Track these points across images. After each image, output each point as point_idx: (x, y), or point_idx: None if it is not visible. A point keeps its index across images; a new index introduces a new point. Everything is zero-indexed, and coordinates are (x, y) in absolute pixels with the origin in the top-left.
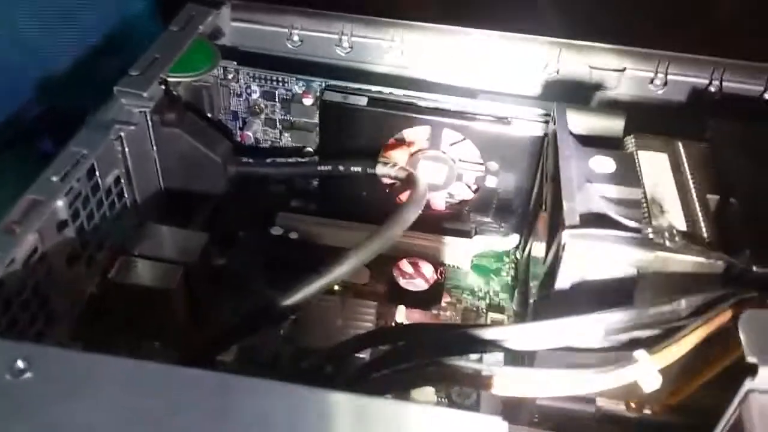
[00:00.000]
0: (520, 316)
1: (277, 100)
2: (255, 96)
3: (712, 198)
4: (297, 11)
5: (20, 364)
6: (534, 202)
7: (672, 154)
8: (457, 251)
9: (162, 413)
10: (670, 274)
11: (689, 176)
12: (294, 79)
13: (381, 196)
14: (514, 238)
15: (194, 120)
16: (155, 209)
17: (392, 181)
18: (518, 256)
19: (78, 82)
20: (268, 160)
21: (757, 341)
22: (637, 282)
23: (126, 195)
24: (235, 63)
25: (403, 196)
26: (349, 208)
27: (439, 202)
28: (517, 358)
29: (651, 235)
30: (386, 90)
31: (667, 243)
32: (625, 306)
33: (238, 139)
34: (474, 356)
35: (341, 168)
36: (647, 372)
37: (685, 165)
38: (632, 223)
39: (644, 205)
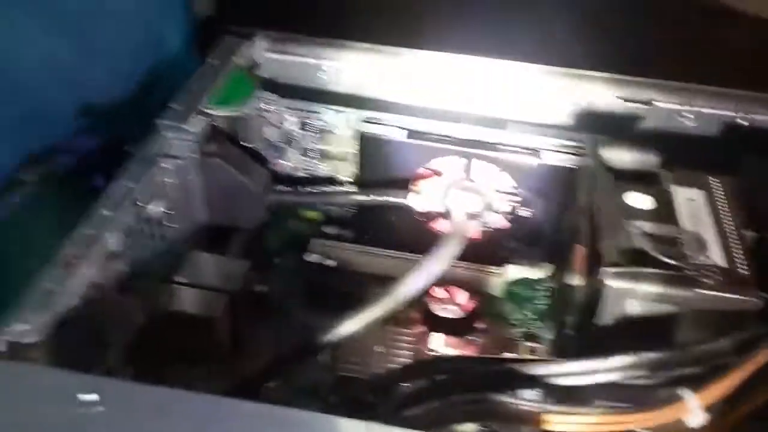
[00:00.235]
0: (556, 346)
1: (311, 129)
2: (290, 126)
3: (749, 234)
4: (330, 43)
5: (91, 397)
6: (566, 233)
7: (707, 190)
8: (490, 279)
9: None
10: (709, 311)
11: (725, 212)
12: (328, 109)
13: (413, 224)
14: (547, 267)
15: (233, 150)
16: (196, 237)
17: (425, 210)
18: (552, 285)
19: (121, 115)
20: (303, 189)
21: None
22: (676, 319)
23: (169, 224)
24: (272, 94)
25: (435, 224)
26: (381, 235)
27: (473, 230)
28: (553, 393)
29: (690, 273)
30: (422, 122)
31: (706, 281)
32: (667, 344)
33: (273, 167)
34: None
35: (376, 198)
36: (693, 410)
37: (721, 200)
38: (671, 261)
39: (681, 242)
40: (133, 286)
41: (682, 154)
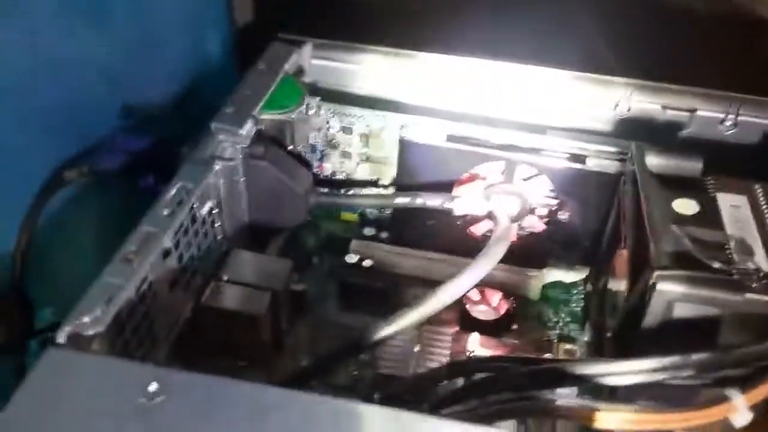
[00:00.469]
0: (592, 348)
1: (354, 133)
2: (334, 130)
3: None
4: (374, 50)
5: (153, 387)
6: (609, 238)
7: (750, 196)
8: (527, 281)
9: None
10: (755, 315)
11: None
12: (372, 114)
13: (452, 227)
14: (584, 270)
15: (278, 153)
16: (241, 237)
17: (464, 213)
18: (588, 287)
19: (162, 117)
20: (345, 191)
21: None
22: (722, 322)
23: (217, 224)
24: (318, 99)
25: (475, 228)
26: (419, 237)
27: (512, 235)
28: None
29: (738, 278)
30: (462, 126)
31: (755, 285)
32: (712, 347)
33: (316, 170)
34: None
35: (418, 201)
36: (740, 409)
37: (765, 206)
38: (719, 265)
39: (728, 247)
40: (181, 282)
41: (725, 162)
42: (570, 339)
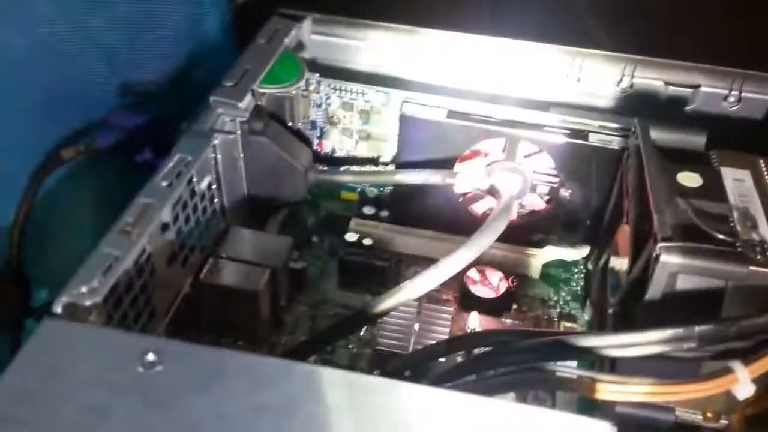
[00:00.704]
0: (593, 327)
1: (355, 110)
2: (334, 106)
3: None
4: (375, 26)
5: (151, 357)
6: (611, 215)
7: (754, 170)
8: (527, 260)
9: (286, 406)
10: (760, 287)
11: None
12: (373, 90)
13: (452, 205)
14: (584, 249)
15: (278, 129)
16: (239, 213)
17: (466, 191)
18: (589, 266)
19: (161, 93)
20: (345, 168)
21: None
22: (726, 294)
23: (216, 199)
24: (318, 75)
25: (476, 206)
26: (419, 216)
27: (512, 211)
28: (594, 365)
29: (742, 249)
30: (463, 103)
31: (758, 257)
32: (715, 319)
33: (316, 147)
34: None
35: (419, 177)
36: (743, 381)
37: None
38: (724, 237)
39: (732, 219)
40: (179, 256)
41: (728, 137)
42: (571, 317)
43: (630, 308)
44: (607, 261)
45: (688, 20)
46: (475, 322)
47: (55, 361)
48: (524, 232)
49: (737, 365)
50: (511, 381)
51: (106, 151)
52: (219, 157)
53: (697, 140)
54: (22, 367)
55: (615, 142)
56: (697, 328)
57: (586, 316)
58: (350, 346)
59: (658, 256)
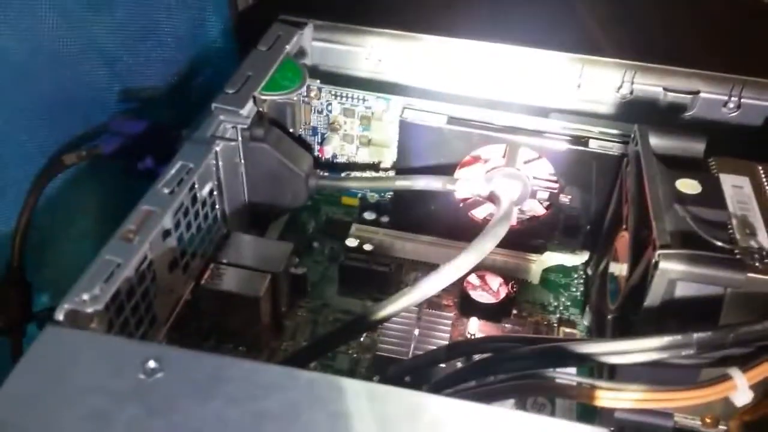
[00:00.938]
0: (592, 332)
1: (356, 116)
2: (335, 112)
3: None
4: (376, 32)
5: (152, 364)
6: (610, 221)
7: (753, 177)
8: (527, 266)
9: (287, 413)
10: (758, 294)
11: None
12: (374, 96)
13: (452, 211)
14: (584, 255)
15: (279, 135)
16: (240, 219)
17: (466, 197)
18: (588, 272)
19: (162, 100)
20: (344, 174)
21: None
22: (724, 301)
23: (217, 206)
24: (319, 81)
25: (476, 212)
26: (419, 222)
27: (512, 218)
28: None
29: (740, 256)
30: (464, 109)
31: (757, 264)
32: (717, 324)
33: (317, 153)
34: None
35: (420, 183)
36: (741, 388)
37: (767, 187)
38: (722, 244)
39: (731, 226)
40: (180, 263)
41: (727, 143)
42: (570, 323)
43: (629, 314)
44: (606, 267)
45: (688, 27)
46: (475, 327)
47: (57, 368)
48: (524, 237)
49: (735, 372)
50: (510, 387)
51: (107, 157)
52: (220, 163)
53: (696, 147)
54: (24, 374)
55: (615, 149)
56: (696, 335)
57: (586, 322)
58: (350, 352)
59: (657, 263)
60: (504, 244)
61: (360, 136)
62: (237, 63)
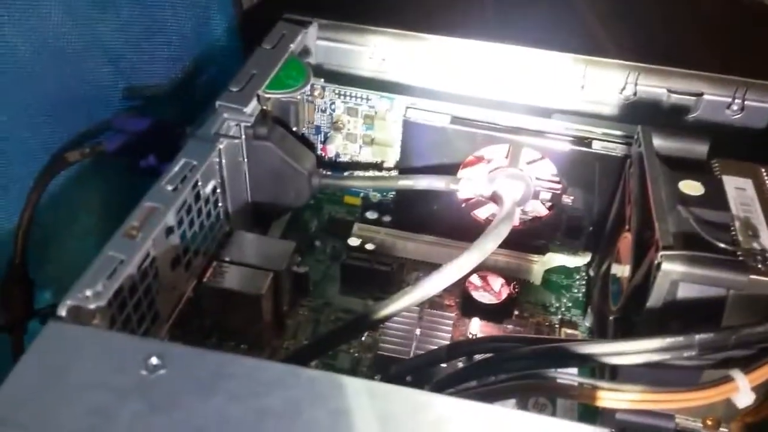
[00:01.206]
0: (594, 333)
1: (359, 116)
2: (338, 111)
3: None
4: (380, 32)
5: (154, 360)
6: (613, 222)
7: (756, 179)
8: (529, 266)
9: (289, 410)
10: (760, 296)
11: None
12: (377, 96)
13: (454, 210)
14: (586, 256)
15: (283, 133)
16: (243, 218)
17: (469, 197)
18: (590, 273)
19: (166, 98)
20: (347, 173)
21: None
22: (726, 303)
23: (220, 204)
24: (323, 80)
25: (478, 212)
26: (422, 221)
27: (515, 218)
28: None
29: (743, 258)
30: (467, 109)
31: (759, 266)
32: (716, 328)
33: (320, 152)
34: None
35: (423, 183)
36: (742, 390)
37: None
38: (725, 246)
39: (734, 228)
40: (183, 260)
41: (731, 145)
42: (572, 324)
43: (631, 316)
44: (608, 268)
45: (692, 28)
46: (476, 327)
47: (59, 364)
48: (526, 238)
49: (737, 374)
50: (512, 387)
51: (111, 154)
52: (224, 161)
53: (699, 148)
54: (26, 370)
55: (618, 150)
56: (698, 337)
57: (587, 323)
58: (352, 351)
59: (659, 264)
60: (506, 244)
61: (363, 135)
62: (241, 61)
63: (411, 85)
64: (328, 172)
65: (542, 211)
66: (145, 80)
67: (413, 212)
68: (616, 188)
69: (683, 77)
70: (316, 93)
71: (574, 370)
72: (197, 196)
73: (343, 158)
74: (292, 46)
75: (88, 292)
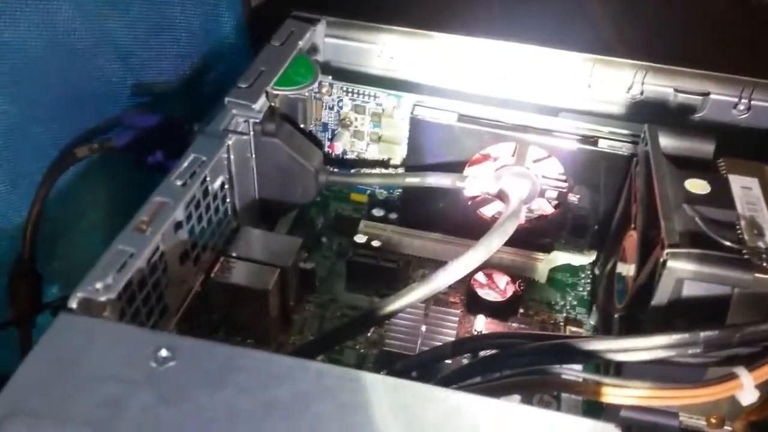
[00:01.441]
0: (599, 331)
1: (366, 113)
2: (346, 109)
3: None
4: (388, 29)
5: (164, 352)
6: (619, 221)
7: (762, 178)
8: (534, 264)
9: (297, 403)
10: (765, 294)
11: None
12: (385, 93)
13: (461, 208)
14: (592, 254)
15: (290, 130)
16: (250, 214)
17: (475, 195)
18: (595, 271)
19: (174, 94)
20: (353, 170)
21: None
22: (731, 301)
23: (228, 199)
24: (331, 77)
25: (485, 210)
26: (428, 218)
27: (521, 216)
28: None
29: (748, 257)
30: (474, 107)
31: (764, 264)
32: (723, 324)
33: (327, 149)
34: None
35: (429, 180)
36: (747, 387)
37: None
38: (730, 244)
39: (739, 226)
40: (191, 255)
41: (737, 145)
42: (577, 322)
43: (636, 314)
44: (614, 266)
45: (699, 28)
46: (481, 325)
47: (70, 355)
48: (532, 236)
49: (741, 371)
50: (516, 383)
51: (119, 150)
52: (232, 157)
53: (706, 147)
54: (38, 360)
55: (624, 148)
56: (702, 334)
57: (592, 321)
58: (358, 347)
59: (664, 262)
60: (512, 242)
61: (370, 132)
62: (249, 59)
63: (419, 82)
64: (335, 169)
65: (548, 209)
66: (154, 77)
67: (420, 210)
68: (622, 187)
69: (690, 77)
70: (324, 90)
71: (579, 367)
72: (205, 192)
73: (350, 155)
74: (301, 44)
75: (99, 285)
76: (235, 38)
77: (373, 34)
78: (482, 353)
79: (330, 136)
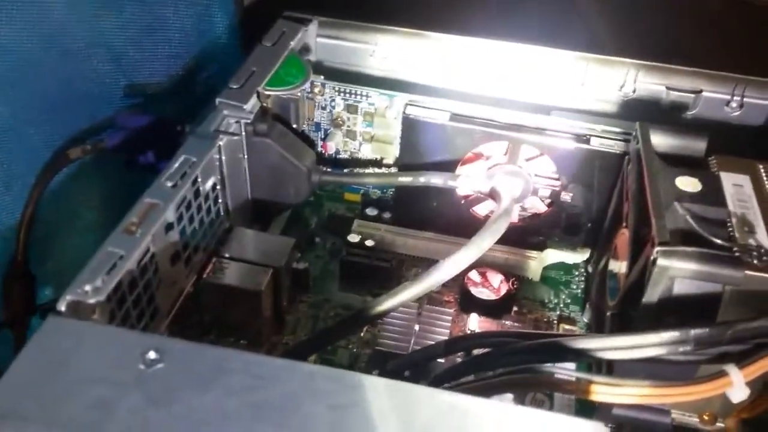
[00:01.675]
0: (592, 329)
1: (359, 113)
2: (338, 108)
3: None
4: (381, 29)
5: (153, 354)
6: (611, 219)
7: (753, 176)
8: (528, 263)
9: (287, 404)
10: (756, 292)
11: None
12: (377, 93)
13: (454, 207)
14: (585, 252)
15: (282, 130)
16: (243, 214)
17: (468, 194)
18: (589, 269)
19: (166, 95)
20: (346, 170)
21: None
22: (722, 299)
23: (220, 200)
24: (323, 77)
25: (477, 209)
26: (421, 218)
27: (513, 214)
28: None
29: (739, 254)
30: (466, 106)
31: (755, 262)
32: (714, 321)
33: (320, 149)
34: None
35: (422, 179)
36: (737, 385)
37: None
38: (721, 242)
39: (730, 224)
40: (183, 256)
41: (729, 142)
42: (570, 320)
43: (628, 311)
44: (606, 264)
45: (691, 25)
46: (475, 323)
47: (59, 358)
48: (525, 234)
49: (732, 369)
50: (509, 382)
51: (112, 151)
52: (223, 158)
53: (697, 145)
54: (26, 363)
55: (616, 147)
56: (693, 331)
57: (586, 319)
58: (350, 347)
59: (655, 260)
60: (505, 241)
61: (363, 132)
62: (241, 59)
63: (411, 82)
64: (328, 169)
65: (541, 207)
66: (147, 77)
67: (413, 209)
68: (615, 185)
69: (682, 74)
70: (316, 90)
71: (572, 366)
72: (197, 193)
73: (343, 155)
74: (292, 44)
75: (88, 287)
76: (228, 38)
77: (365, 34)
78: (475, 352)
79: (323, 136)
